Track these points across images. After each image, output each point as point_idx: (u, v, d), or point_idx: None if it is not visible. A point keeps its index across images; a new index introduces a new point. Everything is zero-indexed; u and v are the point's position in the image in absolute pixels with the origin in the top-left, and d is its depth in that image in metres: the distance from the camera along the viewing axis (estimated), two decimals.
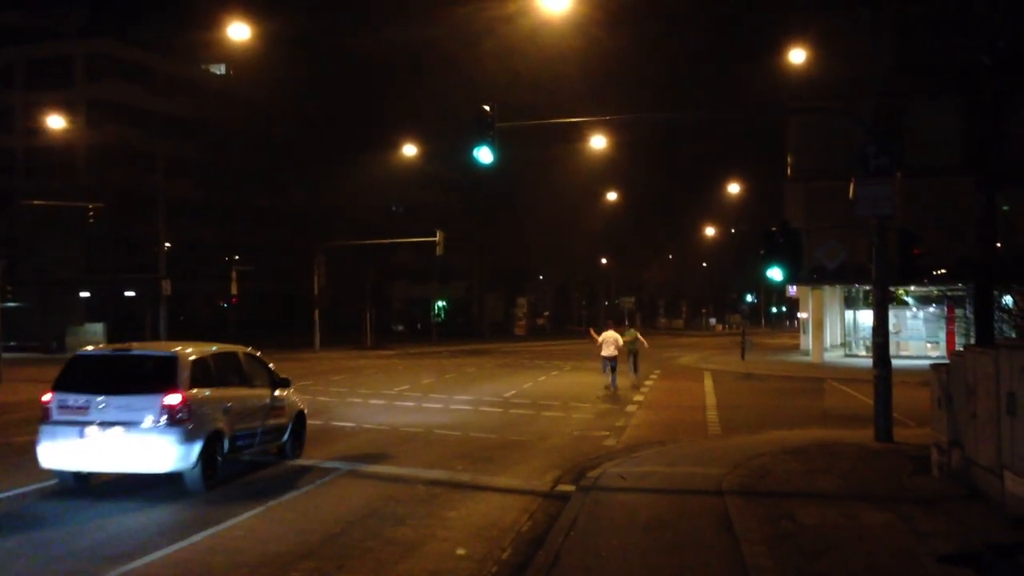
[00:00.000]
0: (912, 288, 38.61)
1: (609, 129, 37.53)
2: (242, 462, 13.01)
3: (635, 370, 27.17)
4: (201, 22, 54.79)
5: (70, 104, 54.95)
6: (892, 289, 32.87)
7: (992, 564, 7.72)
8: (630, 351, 26.58)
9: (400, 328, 76.41)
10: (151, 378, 11.53)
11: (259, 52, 53.11)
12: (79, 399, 11.27)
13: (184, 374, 11.53)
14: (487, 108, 17.28)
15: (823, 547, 8.49)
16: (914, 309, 40.93)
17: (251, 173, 62.03)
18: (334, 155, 59.94)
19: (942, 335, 38.84)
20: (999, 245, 18.45)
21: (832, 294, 43.41)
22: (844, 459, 13.27)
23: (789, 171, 41.35)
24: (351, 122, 61.34)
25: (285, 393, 14.07)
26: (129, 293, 54.43)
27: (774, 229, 16.96)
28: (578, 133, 46.73)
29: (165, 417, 11.07)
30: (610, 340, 24.78)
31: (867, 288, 34.90)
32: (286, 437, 13.92)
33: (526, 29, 45.79)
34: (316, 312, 46.76)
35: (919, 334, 40.18)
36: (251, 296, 55.81)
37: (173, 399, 11.17)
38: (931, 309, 40.23)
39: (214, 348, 13.01)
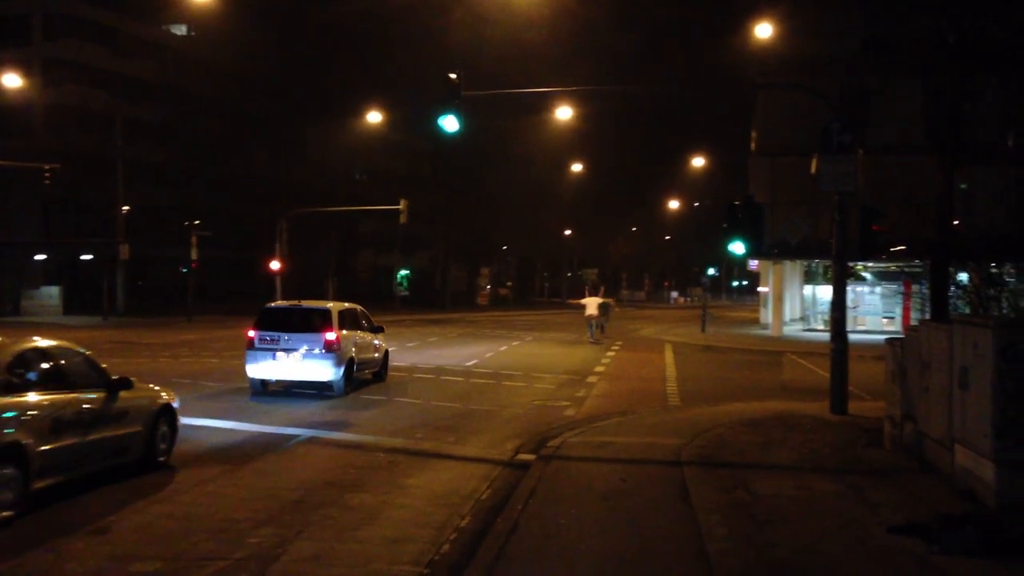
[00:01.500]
0: (870, 264, 39.08)
1: (576, 100, 37.41)
2: (194, 434, 12.99)
3: (602, 327, 35.27)
4: None
5: (27, 63, 53.60)
6: (851, 265, 33.29)
7: (940, 534, 7.94)
8: (603, 312, 35.00)
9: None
10: (316, 322, 17.60)
11: (224, 15, 52.27)
12: (273, 335, 17.39)
13: (335, 320, 17.72)
14: (453, 76, 17.13)
15: (777, 517, 8.65)
16: (872, 284, 41.49)
17: (214, 138, 61.11)
18: (299, 122, 59.25)
19: (898, 310, 39.41)
20: (956, 223, 18.73)
21: (792, 269, 43.87)
22: (800, 431, 13.48)
23: (754, 146, 41.56)
24: (317, 89, 60.63)
25: (381, 337, 20.31)
26: (87, 257, 53.55)
27: (737, 203, 17.09)
28: (546, 104, 46.62)
29: (325, 347, 17.19)
30: (592, 303, 34.22)
31: (827, 263, 35.28)
32: (379, 367, 20.25)
33: None
34: (278, 279, 46.36)
35: (876, 309, 40.76)
36: (212, 262, 55.11)
37: (331, 336, 17.31)
38: (888, 285, 40.79)
39: (346, 305, 19.34)
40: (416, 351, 28.62)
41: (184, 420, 14.26)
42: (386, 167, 70.83)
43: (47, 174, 40.11)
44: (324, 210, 50.92)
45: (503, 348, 30.70)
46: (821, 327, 39.54)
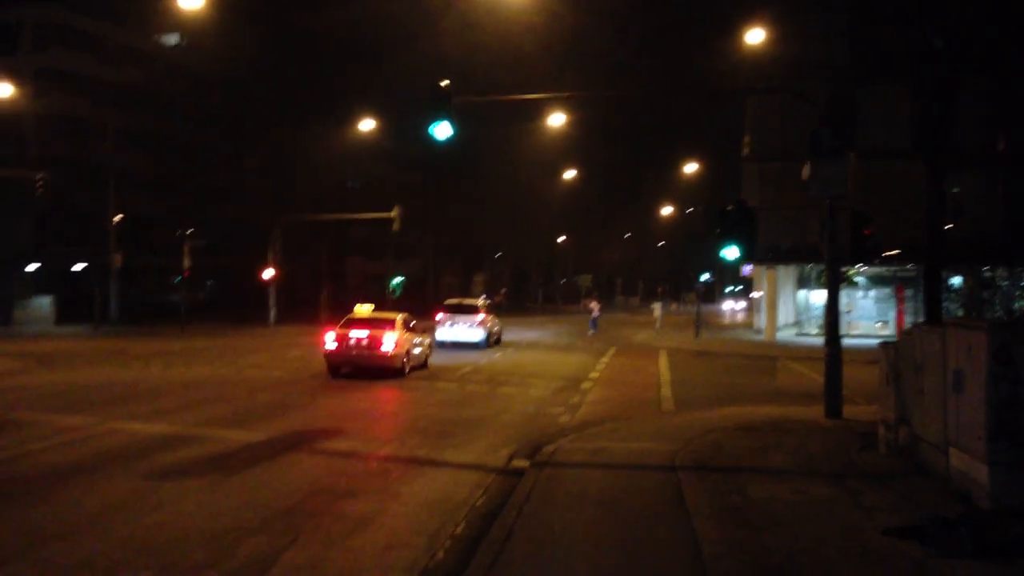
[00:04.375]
0: (863, 268, 39.19)
1: (568, 106, 37.50)
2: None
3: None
4: None
5: (16, 72, 53.39)
6: (844, 269, 33.34)
7: (935, 537, 7.93)
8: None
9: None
10: (472, 310, 33.25)
11: (214, 23, 52.22)
12: (450, 316, 32.94)
13: (482, 309, 33.63)
14: (445, 83, 17.13)
15: (772, 521, 8.62)
16: (865, 289, 41.57)
17: (205, 146, 61.05)
18: (290, 130, 59.20)
19: (892, 314, 39.53)
20: (948, 227, 18.76)
21: (786, 273, 43.92)
22: (794, 435, 13.46)
23: (746, 151, 41.65)
24: (307, 96, 60.62)
25: (498, 319, 35.67)
26: (79, 266, 53.33)
27: (730, 208, 17.09)
28: (537, 110, 46.68)
29: (478, 324, 32.81)
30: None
31: (820, 268, 35.35)
32: (498, 337, 35.08)
33: (485, 5, 45.41)
34: (271, 287, 46.28)
35: (869, 313, 40.83)
36: (204, 271, 55.04)
37: (480, 317, 33.03)
38: (882, 289, 40.87)
39: (486, 301, 36.21)
40: None
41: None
42: (377, 173, 70.79)
43: (39, 183, 39.93)
44: (316, 217, 50.90)
45: (497, 355, 30.66)
46: (815, 332, 39.59)
